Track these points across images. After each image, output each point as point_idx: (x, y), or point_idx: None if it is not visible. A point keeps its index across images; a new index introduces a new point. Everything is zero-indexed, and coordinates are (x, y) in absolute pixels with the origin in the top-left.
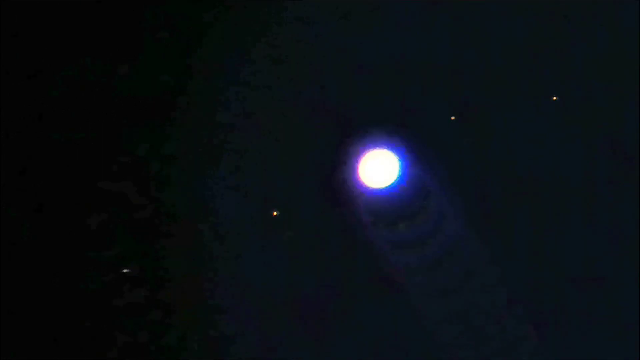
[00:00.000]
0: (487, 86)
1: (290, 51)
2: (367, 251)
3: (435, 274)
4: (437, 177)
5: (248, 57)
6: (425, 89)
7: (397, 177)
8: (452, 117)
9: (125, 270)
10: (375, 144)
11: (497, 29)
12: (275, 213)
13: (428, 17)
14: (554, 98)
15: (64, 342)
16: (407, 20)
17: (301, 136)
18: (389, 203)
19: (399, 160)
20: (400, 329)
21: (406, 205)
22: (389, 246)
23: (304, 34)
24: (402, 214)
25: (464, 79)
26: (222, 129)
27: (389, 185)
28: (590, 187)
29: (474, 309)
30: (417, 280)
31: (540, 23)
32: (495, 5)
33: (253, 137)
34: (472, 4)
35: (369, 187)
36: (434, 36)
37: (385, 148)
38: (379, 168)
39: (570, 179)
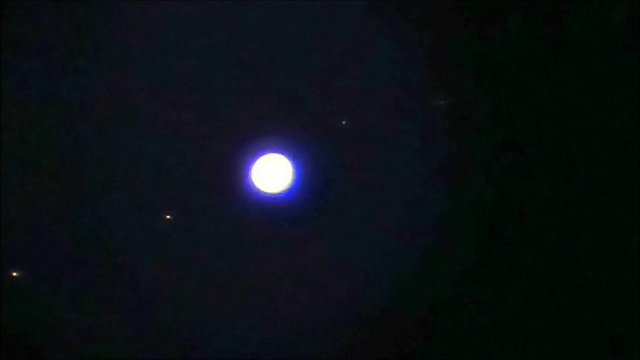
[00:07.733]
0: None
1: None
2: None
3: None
4: (331, 181)
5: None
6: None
7: (291, 182)
8: (344, 122)
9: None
10: (268, 148)
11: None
12: (168, 217)
13: (318, 17)
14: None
15: None
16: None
17: (193, 141)
18: (285, 207)
19: (292, 164)
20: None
21: (302, 208)
22: (287, 251)
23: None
24: (299, 218)
25: (354, 81)
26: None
27: (283, 190)
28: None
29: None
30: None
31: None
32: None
33: (145, 141)
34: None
35: (263, 193)
36: (324, 37)
37: (277, 153)
38: (272, 173)
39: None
